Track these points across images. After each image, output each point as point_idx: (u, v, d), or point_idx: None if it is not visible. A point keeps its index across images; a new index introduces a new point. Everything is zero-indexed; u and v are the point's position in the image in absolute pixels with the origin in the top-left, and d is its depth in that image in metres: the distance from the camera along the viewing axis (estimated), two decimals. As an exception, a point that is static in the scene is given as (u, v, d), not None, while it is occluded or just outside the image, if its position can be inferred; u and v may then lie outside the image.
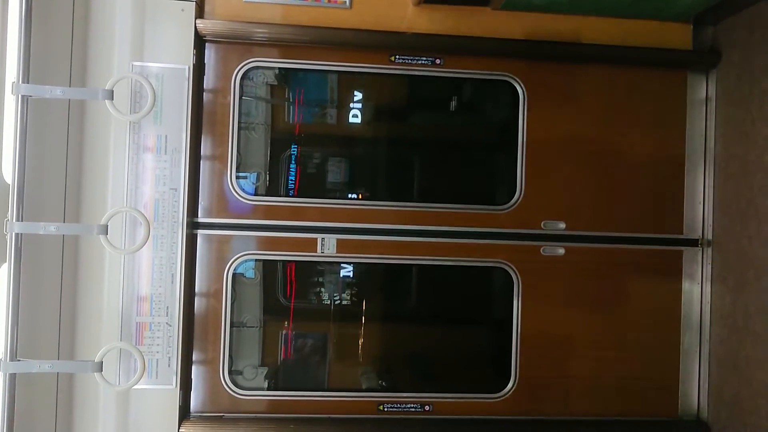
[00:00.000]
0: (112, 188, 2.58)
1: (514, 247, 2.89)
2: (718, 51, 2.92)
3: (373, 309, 3.25)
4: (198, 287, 2.77)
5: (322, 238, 2.82)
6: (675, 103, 2.98)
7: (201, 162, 2.78)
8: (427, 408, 2.84)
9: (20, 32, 2.32)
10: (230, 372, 2.77)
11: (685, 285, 2.98)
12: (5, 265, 2.30)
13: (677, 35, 2.93)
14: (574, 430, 2.84)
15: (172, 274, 2.61)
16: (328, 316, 3.25)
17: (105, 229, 2.38)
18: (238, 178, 2.81)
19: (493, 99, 3.18)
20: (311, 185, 3.13)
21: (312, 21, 2.75)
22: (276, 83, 3.08)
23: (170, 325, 2.61)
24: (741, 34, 2.79)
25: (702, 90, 2.99)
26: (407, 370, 3.20)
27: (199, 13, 2.67)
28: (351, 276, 3.17)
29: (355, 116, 3.19)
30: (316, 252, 2.82)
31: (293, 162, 3.09)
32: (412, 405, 2.83)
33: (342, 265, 3.08)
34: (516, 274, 2.89)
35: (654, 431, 2.88)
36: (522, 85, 2.90)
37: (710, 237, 2.95)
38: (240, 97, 2.80)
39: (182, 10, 2.62)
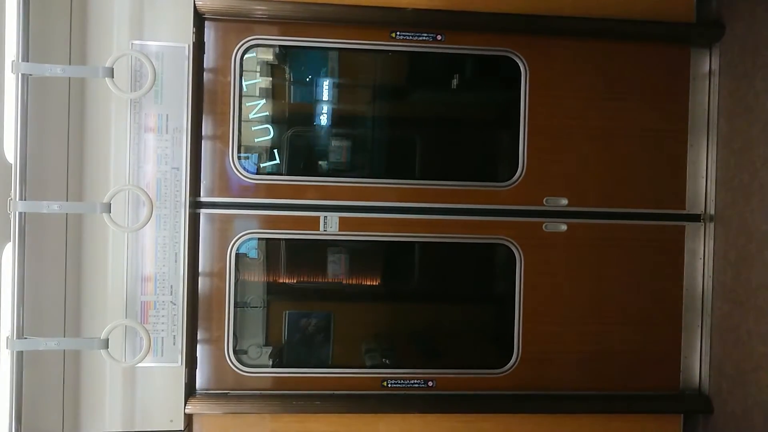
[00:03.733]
0: (114, 168, 2.59)
1: (517, 223, 2.89)
2: (721, 24, 2.89)
3: (377, 286, 3.26)
4: (202, 266, 2.79)
5: (325, 217, 2.82)
6: (678, 77, 2.95)
7: (202, 141, 2.77)
8: (430, 384, 2.86)
9: (19, 10, 2.31)
10: (235, 350, 2.79)
11: (688, 260, 2.98)
12: (9, 245, 2.31)
13: (680, 8, 2.90)
14: (576, 405, 2.86)
15: (176, 254, 2.62)
16: (331, 294, 3.27)
17: (108, 207, 2.39)
18: (239, 157, 2.80)
19: (495, 75, 3.16)
20: (312, 164, 3.13)
21: (312, -3, 2.73)
22: (276, 62, 3.06)
23: (175, 304, 2.63)
24: (745, 6, 2.76)
25: (705, 64, 2.97)
26: (411, 346, 3.22)
27: (198, -10, 2.65)
28: (354, 254, 3.17)
29: (356, 93, 3.17)
30: (318, 230, 2.83)
31: (294, 141, 3.09)
32: (415, 381, 2.86)
33: (344, 243, 3.08)
34: (518, 250, 2.89)
35: (656, 405, 2.90)
36: (524, 61, 2.88)
37: (713, 212, 2.94)
38: (241, 76, 2.79)
39: (181, -13, 2.60)
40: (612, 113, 2.93)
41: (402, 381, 2.85)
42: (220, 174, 2.79)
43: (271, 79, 3.06)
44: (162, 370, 2.62)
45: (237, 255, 2.82)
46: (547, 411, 2.84)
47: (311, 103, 3.25)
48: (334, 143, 3.14)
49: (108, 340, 2.41)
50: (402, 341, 3.22)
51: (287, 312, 3.15)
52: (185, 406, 2.65)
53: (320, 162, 3.14)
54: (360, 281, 3.24)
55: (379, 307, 3.26)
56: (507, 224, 2.89)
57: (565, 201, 2.91)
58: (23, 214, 2.33)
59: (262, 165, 2.98)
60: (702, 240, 2.97)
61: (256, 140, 3.00)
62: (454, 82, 3.18)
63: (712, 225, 2.94)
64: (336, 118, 3.25)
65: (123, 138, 2.58)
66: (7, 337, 2.30)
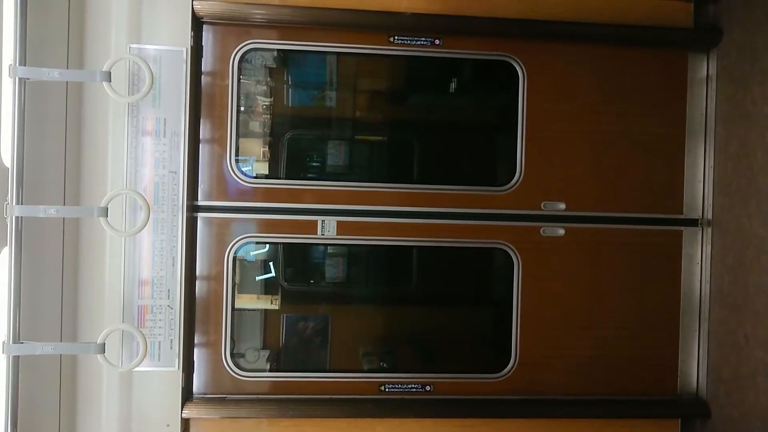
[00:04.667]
0: (111, 171, 2.58)
1: (514, 228, 2.89)
2: (719, 29, 2.90)
3: (374, 290, 3.26)
4: (199, 270, 2.78)
5: (322, 221, 2.82)
6: (675, 82, 2.96)
7: (200, 145, 2.77)
8: (428, 388, 2.85)
9: (16, 14, 2.31)
10: (232, 354, 2.79)
11: (685, 265, 2.98)
12: (6, 249, 2.31)
13: (678, 14, 2.91)
14: (574, 409, 2.85)
15: (173, 258, 2.62)
16: (328, 298, 3.26)
17: (105, 212, 2.38)
18: (237, 161, 2.80)
19: (493, 79, 3.17)
20: (310, 167, 3.13)
21: (310, 2, 2.73)
22: (274, 65, 3.06)
23: (172, 308, 2.62)
24: (742, 11, 2.77)
25: (703, 69, 2.98)
26: (408, 350, 3.22)
27: (196, -5, 2.65)
28: (352, 258, 3.17)
29: (353, 97, 3.17)
30: (316, 234, 2.83)
31: (292, 145, 3.09)
32: (413, 385, 2.85)
33: (342, 247, 3.08)
34: (516, 254, 2.89)
35: (653, 409, 2.90)
36: (522, 66, 2.88)
37: (710, 217, 2.95)
38: (238, 80, 2.79)
39: (179, -9, 2.60)
40: (610, 118, 2.93)
41: (399, 385, 2.85)
42: (218, 178, 2.79)
43: (269, 83, 3.06)
44: (159, 374, 2.61)
45: (234, 259, 2.81)
46: (544, 416, 2.84)
47: (309, 106, 3.25)
48: (332, 147, 3.14)
49: (104, 344, 2.40)
50: (399, 345, 3.22)
51: (285, 315, 3.15)
52: (182, 410, 2.64)
53: (318, 166, 3.14)
54: (357, 285, 3.24)
55: (376, 311, 3.26)
56: (505, 228, 2.89)
57: (562, 205, 2.91)
58: (20, 219, 2.32)
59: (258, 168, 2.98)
60: (699, 245, 2.98)
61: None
62: (452, 86, 3.18)
63: (709, 230, 2.95)
64: (334, 121, 3.25)
65: (120, 142, 2.58)
66: (4, 342, 2.29)
